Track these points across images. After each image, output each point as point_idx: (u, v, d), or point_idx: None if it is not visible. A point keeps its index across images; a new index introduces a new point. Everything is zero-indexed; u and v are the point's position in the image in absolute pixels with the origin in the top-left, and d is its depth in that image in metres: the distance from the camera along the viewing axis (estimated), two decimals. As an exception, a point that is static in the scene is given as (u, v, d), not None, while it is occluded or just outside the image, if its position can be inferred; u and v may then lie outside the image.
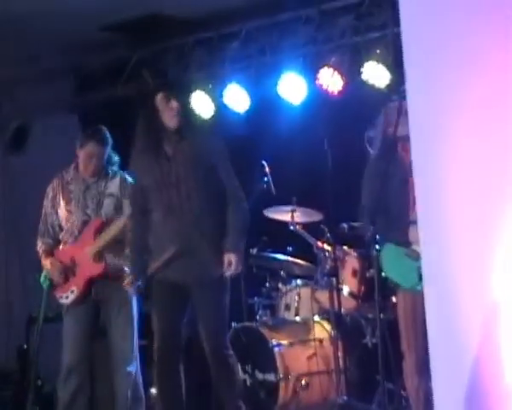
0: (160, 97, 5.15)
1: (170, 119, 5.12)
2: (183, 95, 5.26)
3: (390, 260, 4.66)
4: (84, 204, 5.86)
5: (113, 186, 5.91)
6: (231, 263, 4.98)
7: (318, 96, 6.87)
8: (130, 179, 5.92)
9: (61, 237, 5.92)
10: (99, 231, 5.80)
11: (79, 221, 5.85)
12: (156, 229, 5.11)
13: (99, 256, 5.78)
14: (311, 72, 6.83)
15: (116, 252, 5.79)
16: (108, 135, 5.93)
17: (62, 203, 5.91)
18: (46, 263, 5.90)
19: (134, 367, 5.81)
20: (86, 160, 5.86)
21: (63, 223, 5.91)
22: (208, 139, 5.23)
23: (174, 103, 5.12)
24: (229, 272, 4.99)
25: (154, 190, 5.11)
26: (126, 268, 5.74)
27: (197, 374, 5.19)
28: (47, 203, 6.00)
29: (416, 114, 3.33)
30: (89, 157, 5.84)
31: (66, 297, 5.81)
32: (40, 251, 5.96)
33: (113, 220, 5.80)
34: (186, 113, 5.24)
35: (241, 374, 5.66)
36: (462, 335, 3.15)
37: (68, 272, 5.84)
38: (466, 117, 3.16)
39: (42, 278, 5.90)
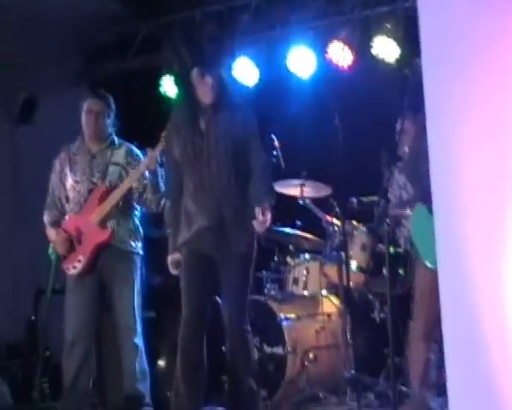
0: (194, 73, 5.12)
1: (204, 94, 5.09)
2: (217, 69, 5.18)
3: (419, 225, 4.61)
4: (89, 173, 5.86)
5: (119, 156, 5.90)
6: (263, 217, 4.95)
7: (328, 71, 6.85)
8: (136, 151, 5.92)
9: (67, 208, 5.93)
10: (103, 197, 5.79)
11: (85, 190, 5.85)
12: (187, 203, 5.12)
13: (104, 222, 5.78)
14: (320, 46, 6.82)
15: (120, 220, 5.80)
16: (111, 99, 5.92)
17: (69, 175, 5.90)
18: (51, 234, 5.91)
19: (138, 340, 5.83)
20: (88, 118, 5.84)
21: (70, 194, 5.91)
22: (241, 114, 5.19)
23: (208, 79, 5.08)
24: (261, 227, 4.98)
25: (187, 164, 5.12)
26: (132, 242, 5.77)
27: (209, 350, 5.19)
28: (54, 176, 5.99)
29: (433, 99, 3.29)
30: (89, 113, 5.82)
31: (74, 267, 5.81)
32: (46, 223, 5.97)
33: (116, 187, 5.81)
34: (221, 87, 5.15)
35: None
36: (476, 318, 3.14)
37: (74, 241, 5.84)
38: (484, 102, 3.13)
39: (50, 250, 5.91)
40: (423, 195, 4.54)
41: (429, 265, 4.50)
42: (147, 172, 5.69)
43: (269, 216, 4.95)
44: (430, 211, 4.54)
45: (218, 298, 5.51)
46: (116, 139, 5.94)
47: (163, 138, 5.45)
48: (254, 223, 4.93)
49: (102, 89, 6.03)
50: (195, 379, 5.07)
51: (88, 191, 5.84)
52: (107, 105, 5.89)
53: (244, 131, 5.10)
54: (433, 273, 4.46)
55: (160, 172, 5.65)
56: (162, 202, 5.66)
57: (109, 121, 5.91)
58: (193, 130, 5.12)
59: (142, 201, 5.81)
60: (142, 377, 5.80)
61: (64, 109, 7.21)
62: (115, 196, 5.76)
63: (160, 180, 5.66)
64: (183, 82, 5.29)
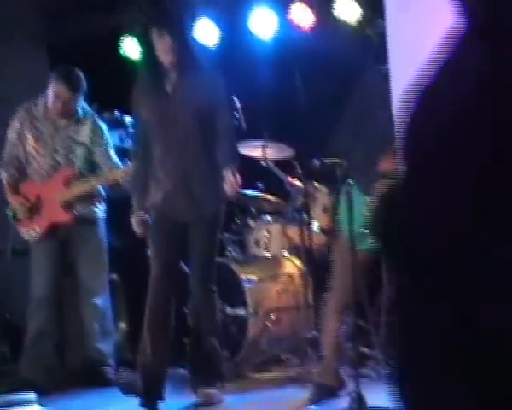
0: (153, 32, 5.03)
1: (163, 54, 5.02)
2: (177, 29, 5.07)
3: (345, 201, 4.63)
4: (52, 148, 5.79)
5: (84, 133, 5.84)
6: (233, 179, 4.95)
7: (290, 32, 6.81)
8: (101, 126, 5.86)
9: (28, 171, 5.86)
10: (69, 182, 5.74)
11: (47, 164, 5.78)
12: (155, 166, 5.09)
13: (69, 205, 5.74)
14: (282, 6, 6.77)
15: (85, 203, 5.77)
16: (82, 79, 5.81)
17: (30, 138, 5.83)
18: (11, 196, 5.84)
19: (102, 300, 5.81)
20: (55, 100, 5.77)
21: (30, 159, 5.84)
22: (207, 76, 5.13)
23: (168, 38, 4.99)
24: (232, 190, 4.98)
25: (154, 126, 5.07)
26: (94, 207, 5.75)
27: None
28: (12, 134, 5.90)
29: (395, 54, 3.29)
30: (57, 97, 5.76)
31: (30, 234, 5.77)
32: (5, 182, 5.89)
33: (86, 175, 5.76)
34: (182, 48, 5.06)
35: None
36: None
37: (33, 208, 5.78)
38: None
39: (8, 211, 5.85)
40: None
41: (348, 240, 4.55)
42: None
43: (238, 178, 4.95)
44: (363, 191, 4.58)
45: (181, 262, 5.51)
46: (81, 110, 5.87)
47: None
48: (225, 186, 4.91)
49: (62, 49, 5.94)
50: (161, 338, 5.09)
51: (51, 167, 5.78)
52: (78, 91, 5.80)
53: (210, 94, 5.06)
54: (351, 248, 4.52)
55: None
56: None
57: (76, 103, 5.83)
58: (158, 93, 5.07)
59: None
60: (104, 337, 5.79)
61: (22, 68, 7.11)
62: (82, 189, 5.73)
63: None
64: (144, 42, 5.21)
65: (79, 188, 5.73)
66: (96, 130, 5.83)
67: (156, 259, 5.09)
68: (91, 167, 5.84)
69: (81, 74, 5.81)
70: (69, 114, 5.81)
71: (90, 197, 5.81)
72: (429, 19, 3.15)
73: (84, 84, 5.81)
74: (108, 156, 5.83)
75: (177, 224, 5.08)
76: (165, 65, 5.05)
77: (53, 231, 5.76)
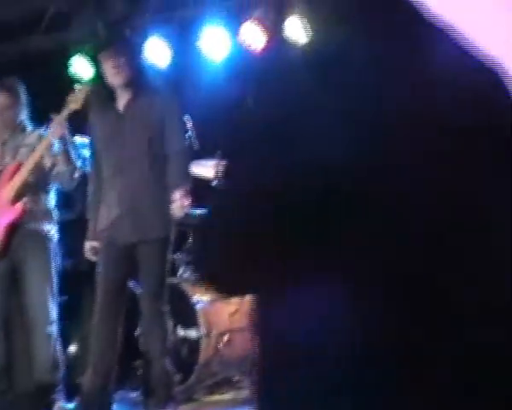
0: (104, 53, 4.99)
1: (112, 76, 4.98)
2: (126, 49, 5.03)
3: None
4: (1, 156, 5.71)
5: (31, 139, 5.75)
6: (182, 201, 4.91)
7: (241, 52, 6.79)
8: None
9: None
10: (13, 174, 5.64)
11: None
12: (105, 187, 5.04)
13: (16, 200, 5.62)
14: (235, 26, 6.75)
15: (35, 199, 5.65)
16: (20, 88, 5.74)
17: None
18: None
19: (52, 327, 5.70)
20: None
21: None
22: (158, 97, 5.09)
23: (116, 59, 4.95)
24: (180, 212, 4.95)
25: (105, 147, 5.02)
26: (47, 224, 5.63)
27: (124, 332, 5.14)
28: None
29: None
30: None
31: None
32: None
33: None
34: (132, 69, 5.03)
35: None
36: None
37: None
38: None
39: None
40: None
41: None
42: (56, 144, 5.53)
43: (188, 199, 4.91)
44: None
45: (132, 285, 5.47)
46: (28, 126, 5.78)
47: (69, 101, 5.32)
48: (173, 207, 4.88)
49: (7, 71, 5.85)
50: (105, 363, 5.02)
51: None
52: (16, 98, 5.70)
53: (162, 114, 5.03)
54: None
55: (71, 140, 5.50)
56: (76, 176, 5.52)
57: (18, 112, 5.73)
58: (110, 113, 5.03)
59: (54, 175, 5.64)
60: (54, 366, 5.68)
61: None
62: (24, 171, 5.59)
63: (73, 150, 5.51)
64: (94, 62, 5.17)
65: (21, 174, 5.59)
66: (44, 137, 5.74)
67: (102, 284, 5.05)
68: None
69: (20, 84, 5.73)
70: (12, 126, 5.71)
71: (41, 207, 5.68)
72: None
73: (24, 95, 5.72)
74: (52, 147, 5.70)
75: (125, 247, 5.03)
76: (116, 86, 5.01)
77: (7, 245, 5.64)
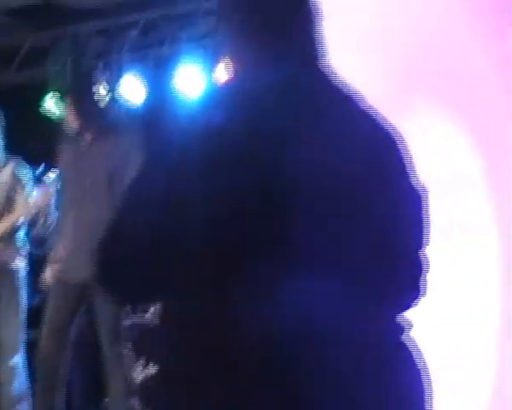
0: (71, 94, 4.99)
1: (70, 122, 4.98)
2: (88, 95, 5.01)
3: None
4: None
5: (5, 176, 5.72)
6: None
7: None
8: (22, 171, 5.74)
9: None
10: None
11: None
12: (64, 222, 5.01)
13: None
14: (210, 65, 6.77)
15: (6, 241, 5.62)
16: None
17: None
18: None
19: (19, 360, 5.64)
20: None
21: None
22: (121, 136, 5.06)
23: (74, 108, 4.96)
24: None
25: (68, 185, 5.01)
26: (17, 261, 5.59)
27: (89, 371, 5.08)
28: None
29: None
30: None
31: None
32: None
33: (3, 214, 5.62)
34: (93, 113, 5.02)
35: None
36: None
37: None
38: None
39: None
40: None
41: None
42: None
43: None
44: None
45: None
46: (2, 156, 5.75)
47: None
48: None
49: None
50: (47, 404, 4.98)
51: None
52: None
53: (125, 154, 4.97)
54: None
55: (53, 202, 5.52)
56: (50, 224, 5.53)
57: None
58: (75, 152, 5.02)
59: (32, 225, 5.65)
60: (20, 398, 5.61)
61: None
62: (1, 227, 5.59)
63: (52, 211, 5.53)
64: (64, 101, 5.17)
65: None
66: (17, 174, 5.69)
67: (48, 324, 4.97)
68: (11, 207, 5.69)
69: None
70: None
71: (11, 244, 5.64)
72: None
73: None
74: (27, 195, 5.67)
75: (76, 287, 4.93)
76: (76, 129, 5.02)
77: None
